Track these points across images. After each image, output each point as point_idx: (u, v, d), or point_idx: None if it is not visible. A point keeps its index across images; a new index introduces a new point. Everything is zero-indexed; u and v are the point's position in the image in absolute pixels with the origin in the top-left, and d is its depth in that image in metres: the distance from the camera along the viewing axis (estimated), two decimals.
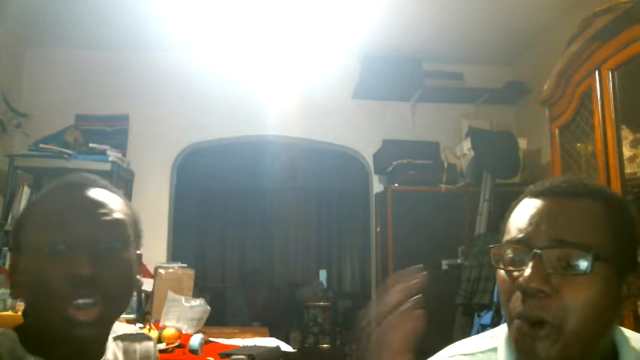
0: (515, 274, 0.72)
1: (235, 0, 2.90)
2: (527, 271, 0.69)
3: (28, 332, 0.75)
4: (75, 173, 0.82)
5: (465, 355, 0.83)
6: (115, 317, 0.79)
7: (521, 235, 0.73)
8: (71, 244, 0.72)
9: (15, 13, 2.97)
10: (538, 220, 0.72)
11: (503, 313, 0.78)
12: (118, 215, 0.78)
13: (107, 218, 0.76)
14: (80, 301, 0.71)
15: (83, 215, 0.75)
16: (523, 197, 0.78)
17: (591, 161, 2.02)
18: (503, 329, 0.83)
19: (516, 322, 0.71)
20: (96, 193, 0.78)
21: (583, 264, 0.67)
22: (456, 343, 0.88)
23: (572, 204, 0.72)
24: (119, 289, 0.76)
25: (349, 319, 6.05)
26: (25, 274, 0.74)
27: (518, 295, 0.71)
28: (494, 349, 0.81)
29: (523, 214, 0.75)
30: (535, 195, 0.76)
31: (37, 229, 0.74)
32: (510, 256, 0.73)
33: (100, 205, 0.77)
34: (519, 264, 0.72)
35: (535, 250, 0.70)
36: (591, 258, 0.67)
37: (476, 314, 2.53)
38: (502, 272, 0.75)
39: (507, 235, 0.76)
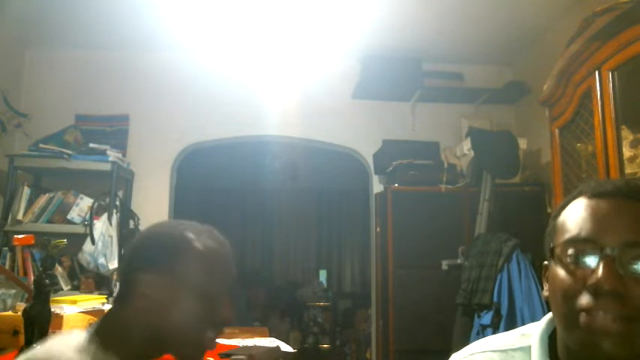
0: (580, 273, 0.70)
1: (235, 0, 2.90)
2: (599, 271, 0.68)
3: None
4: (212, 230, 0.94)
5: (495, 351, 0.82)
6: None
7: (586, 234, 0.71)
8: (224, 292, 0.91)
9: (15, 13, 2.97)
10: (606, 220, 0.71)
11: (554, 313, 0.75)
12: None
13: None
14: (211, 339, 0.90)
15: (231, 272, 0.94)
16: (576, 197, 0.77)
17: (591, 161, 2.02)
18: (534, 328, 0.82)
19: (584, 317, 0.68)
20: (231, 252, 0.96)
21: None
22: (484, 339, 0.87)
23: (638, 206, 0.71)
24: None
25: (349, 319, 6.05)
26: (170, 297, 0.87)
27: (586, 295, 0.69)
28: (527, 348, 0.80)
29: (585, 212, 0.73)
30: (596, 196, 0.74)
31: (197, 270, 0.88)
32: (573, 254, 0.72)
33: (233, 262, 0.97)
34: (584, 263, 0.70)
35: (607, 250, 0.68)
36: None
37: (476, 314, 2.52)
38: (562, 271, 0.72)
39: (566, 233, 0.74)
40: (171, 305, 0.85)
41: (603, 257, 0.68)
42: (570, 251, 0.72)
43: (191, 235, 0.90)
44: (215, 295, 0.87)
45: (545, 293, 0.78)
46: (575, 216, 0.74)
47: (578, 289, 0.70)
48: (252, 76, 3.63)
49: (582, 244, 0.71)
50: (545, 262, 0.80)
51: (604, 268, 0.68)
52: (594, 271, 0.68)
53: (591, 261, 0.70)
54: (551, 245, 0.77)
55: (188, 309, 0.85)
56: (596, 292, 0.68)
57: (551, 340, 0.79)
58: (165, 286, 0.86)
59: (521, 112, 3.65)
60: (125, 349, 0.84)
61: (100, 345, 0.82)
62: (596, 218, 0.72)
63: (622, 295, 0.67)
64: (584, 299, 0.69)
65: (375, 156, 3.61)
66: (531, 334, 0.81)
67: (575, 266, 0.71)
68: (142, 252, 0.90)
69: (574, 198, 0.77)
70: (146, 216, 3.14)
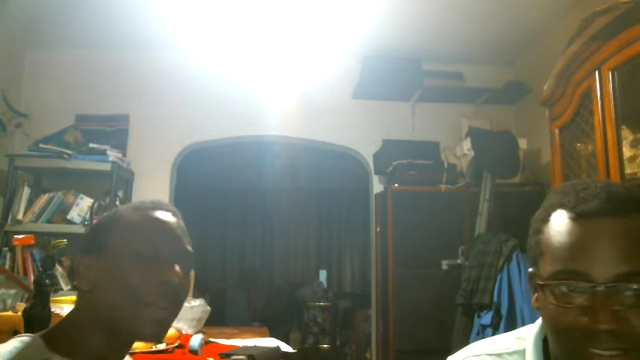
0: (574, 311, 0.67)
1: (235, 0, 2.90)
2: (594, 310, 0.65)
3: (57, 334, 0.81)
4: (155, 201, 0.91)
5: (490, 355, 0.82)
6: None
7: (576, 268, 0.68)
8: (165, 256, 0.83)
9: (15, 13, 2.97)
10: (595, 249, 0.67)
11: (555, 345, 0.73)
12: (190, 243, 0.92)
13: (187, 244, 0.90)
14: (158, 308, 0.81)
15: (174, 237, 0.88)
16: (557, 208, 0.73)
17: (591, 161, 2.02)
18: (528, 331, 0.81)
19: (591, 351, 0.67)
20: (180, 223, 0.91)
21: None
22: (479, 342, 0.87)
23: (625, 224, 0.67)
24: (183, 302, 0.89)
25: (349, 319, 6.05)
26: (107, 274, 0.82)
27: (584, 333, 0.67)
28: (522, 352, 0.80)
29: (571, 239, 0.69)
30: (580, 216, 0.70)
31: (130, 238, 0.84)
32: (565, 291, 0.69)
33: (183, 232, 0.91)
34: (577, 300, 0.68)
35: (599, 288, 0.66)
36: None
37: (476, 314, 2.53)
38: (555, 305, 0.69)
39: (554, 261, 0.71)
40: (111, 279, 0.81)
41: (596, 294, 0.66)
42: (562, 287, 0.69)
43: (123, 209, 0.89)
44: (156, 258, 0.82)
45: (535, 304, 0.76)
46: (560, 240, 0.71)
47: (575, 327, 0.67)
48: (252, 76, 3.63)
49: (572, 279, 0.68)
50: (531, 270, 0.78)
51: (598, 307, 0.65)
52: (589, 309, 0.66)
53: (584, 298, 0.67)
54: (537, 266, 0.74)
55: (127, 276, 0.80)
56: (592, 331, 0.66)
57: (545, 342, 0.78)
58: (102, 262, 0.83)
59: (521, 112, 3.65)
60: (77, 346, 0.79)
61: (46, 344, 0.77)
62: (584, 248, 0.68)
63: (619, 332, 0.65)
64: (583, 339, 0.67)
65: (375, 156, 3.61)
66: (526, 337, 0.81)
67: (569, 302, 0.68)
68: (84, 239, 0.89)
69: (555, 209, 0.74)
70: None
